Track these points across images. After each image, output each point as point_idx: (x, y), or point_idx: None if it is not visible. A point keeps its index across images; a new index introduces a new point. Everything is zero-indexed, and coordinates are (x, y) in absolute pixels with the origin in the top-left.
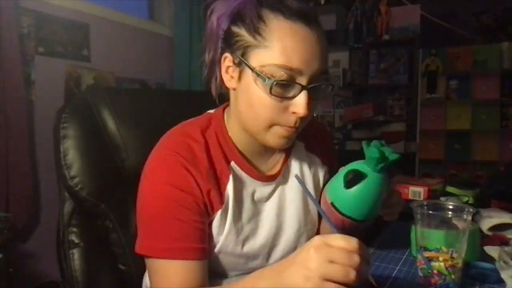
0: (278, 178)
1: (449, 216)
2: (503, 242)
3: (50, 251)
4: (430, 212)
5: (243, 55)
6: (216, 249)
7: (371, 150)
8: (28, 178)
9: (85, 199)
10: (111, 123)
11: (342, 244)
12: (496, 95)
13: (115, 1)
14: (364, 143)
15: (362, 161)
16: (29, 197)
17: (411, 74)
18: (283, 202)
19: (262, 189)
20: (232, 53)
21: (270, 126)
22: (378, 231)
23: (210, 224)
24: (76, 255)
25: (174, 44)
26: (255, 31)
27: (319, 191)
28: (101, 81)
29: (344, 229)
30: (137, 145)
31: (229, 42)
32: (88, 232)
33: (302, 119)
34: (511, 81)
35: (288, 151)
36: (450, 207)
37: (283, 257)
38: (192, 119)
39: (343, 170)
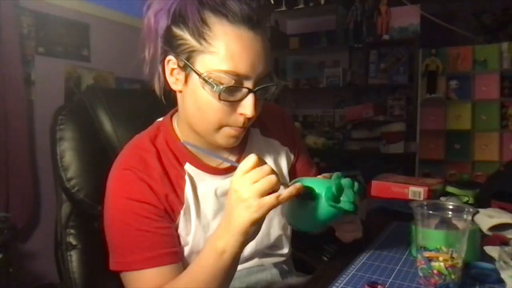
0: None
1: (449, 216)
2: (503, 242)
3: (50, 251)
4: (430, 212)
5: (188, 59)
6: (187, 250)
7: (332, 186)
8: (28, 178)
9: (82, 201)
10: (107, 124)
11: (247, 166)
12: (496, 95)
13: (115, 1)
14: (336, 175)
15: (328, 181)
16: (29, 197)
17: (411, 74)
18: None
19: (223, 183)
20: (176, 56)
21: (219, 127)
22: (378, 231)
23: (176, 229)
24: (74, 257)
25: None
26: (199, 36)
27: (281, 174)
28: (101, 81)
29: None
30: None
31: (172, 45)
32: (86, 234)
33: (250, 119)
34: (511, 81)
35: (243, 140)
36: (450, 207)
37: (257, 245)
38: (143, 131)
39: (309, 181)
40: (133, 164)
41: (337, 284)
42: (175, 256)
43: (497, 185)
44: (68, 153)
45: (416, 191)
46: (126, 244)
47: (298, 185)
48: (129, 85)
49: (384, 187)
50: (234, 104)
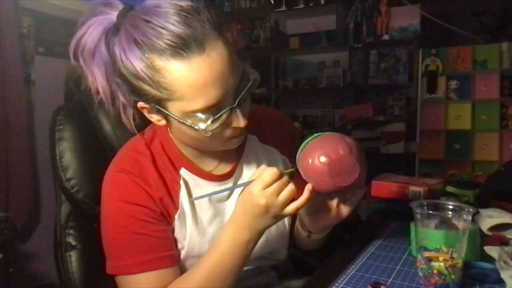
0: (234, 175)
1: (449, 216)
2: (503, 242)
3: (49, 251)
4: (430, 212)
5: (159, 105)
6: (183, 254)
7: None
8: (28, 178)
9: (82, 201)
10: (107, 125)
11: (270, 179)
12: (496, 95)
13: None
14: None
15: None
16: (29, 197)
17: (411, 74)
18: None
19: (218, 189)
20: (146, 103)
21: (221, 143)
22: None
23: (173, 232)
24: (73, 257)
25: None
26: (157, 85)
27: None
28: None
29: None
30: None
31: (137, 94)
32: (85, 234)
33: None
34: (511, 81)
35: (240, 147)
36: (450, 207)
37: (255, 253)
38: (139, 133)
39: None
40: (127, 168)
41: (337, 284)
42: (172, 259)
43: (497, 185)
44: (67, 153)
45: (416, 191)
46: (122, 247)
47: (310, 187)
48: None
49: (384, 187)
50: (226, 122)
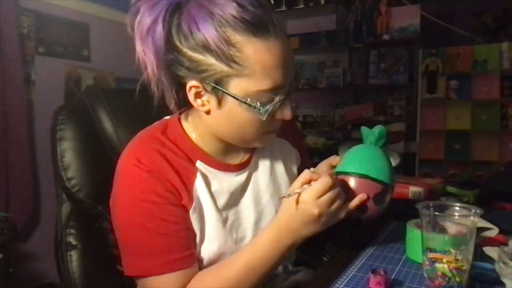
0: (250, 165)
1: (456, 217)
2: (503, 243)
3: (50, 251)
4: (436, 213)
5: (218, 83)
6: (202, 246)
7: (373, 131)
8: (28, 178)
9: (83, 200)
10: (108, 124)
11: (325, 187)
12: (496, 95)
13: (115, 1)
14: (363, 128)
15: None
16: (29, 197)
17: (411, 74)
18: (258, 190)
19: (235, 180)
20: (200, 81)
21: (259, 136)
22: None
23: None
24: (74, 257)
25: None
26: (228, 59)
27: (292, 175)
28: (101, 81)
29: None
30: None
31: (192, 69)
32: (86, 234)
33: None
34: (511, 81)
35: None
36: (457, 208)
37: None
38: (148, 127)
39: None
40: (145, 161)
41: (337, 285)
42: (193, 258)
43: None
44: (69, 153)
45: (416, 191)
46: (143, 248)
47: (363, 196)
48: (129, 85)
49: None
50: (273, 113)
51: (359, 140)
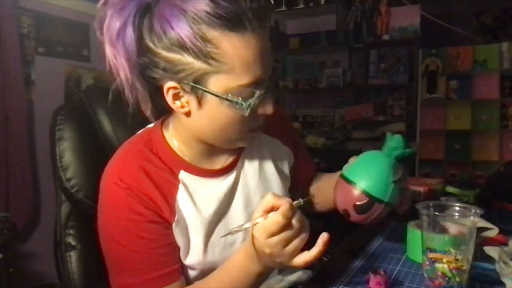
0: (237, 166)
1: (456, 217)
2: (503, 243)
3: (49, 251)
4: (437, 213)
5: (197, 82)
6: (188, 260)
7: (392, 137)
8: (28, 178)
9: (82, 201)
10: (107, 124)
11: (277, 226)
12: (496, 95)
13: None
14: (388, 133)
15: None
16: (29, 197)
17: (411, 74)
18: (249, 191)
19: (223, 184)
20: (178, 82)
21: (243, 135)
22: (377, 232)
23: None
24: (73, 257)
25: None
26: (206, 57)
27: (283, 175)
28: (101, 81)
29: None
30: None
31: (169, 70)
32: (85, 234)
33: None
34: (511, 81)
35: None
36: (457, 208)
37: None
38: (132, 137)
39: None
40: (125, 178)
41: (337, 284)
42: (175, 274)
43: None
44: (68, 153)
45: (416, 191)
46: (124, 265)
47: (325, 237)
48: None
49: None
50: (255, 108)
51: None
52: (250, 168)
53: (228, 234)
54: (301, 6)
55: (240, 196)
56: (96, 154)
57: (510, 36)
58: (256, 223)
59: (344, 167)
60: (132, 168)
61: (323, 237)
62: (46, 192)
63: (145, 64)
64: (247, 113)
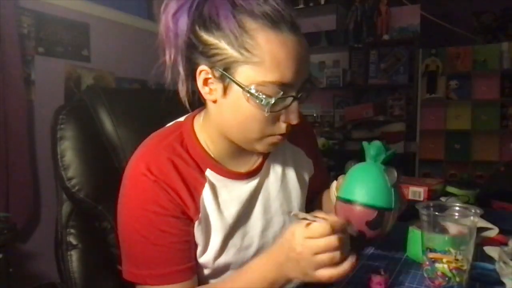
0: (261, 172)
1: (456, 217)
2: (503, 243)
3: (50, 251)
4: (437, 213)
5: (226, 70)
6: (204, 258)
7: (371, 145)
8: (28, 178)
9: (83, 200)
10: (108, 124)
11: (319, 233)
12: (496, 95)
13: (115, 1)
14: (364, 143)
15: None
16: (29, 197)
17: (411, 74)
18: (268, 198)
19: (246, 188)
20: (210, 66)
21: (262, 137)
22: None
23: (193, 237)
24: (74, 256)
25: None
26: (240, 45)
27: (304, 184)
28: (101, 81)
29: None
30: (134, 145)
31: (205, 53)
32: (86, 234)
33: (293, 125)
34: (511, 81)
35: None
36: (457, 208)
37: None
38: (161, 129)
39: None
40: (150, 168)
41: (337, 284)
42: (190, 272)
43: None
44: (69, 153)
45: (416, 191)
46: (140, 256)
47: (354, 259)
48: (129, 85)
49: None
50: (278, 113)
51: (359, 141)
52: (273, 175)
53: (292, 214)
54: (301, 6)
55: (260, 202)
56: (97, 153)
57: (510, 36)
58: (317, 218)
59: (338, 189)
60: (162, 161)
61: (352, 258)
62: (46, 192)
63: (188, 45)
64: (266, 110)
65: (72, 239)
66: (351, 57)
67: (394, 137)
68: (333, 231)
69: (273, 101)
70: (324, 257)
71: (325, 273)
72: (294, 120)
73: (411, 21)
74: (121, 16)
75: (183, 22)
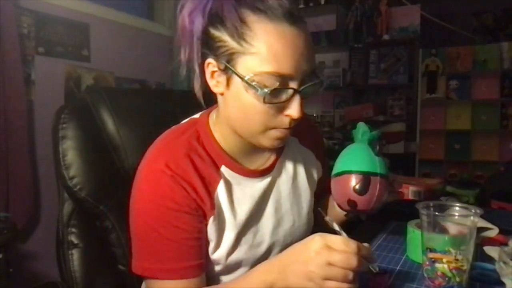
0: (273, 171)
1: (456, 217)
2: (503, 243)
3: (50, 251)
4: (437, 213)
5: (228, 61)
6: (216, 255)
7: (356, 128)
8: (28, 178)
9: (84, 199)
10: (110, 124)
11: (342, 247)
12: (496, 95)
13: (115, 1)
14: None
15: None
16: (29, 197)
17: (411, 74)
18: (280, 197)
19: (259, 186)
20: (216, 59)
21: (265, 130)
22: (377, 231)
23: (206, 233)
24: (75, 255)
25: (174, 44)
26: (239, 37)
27: (313, 185)
28: (101, 81)
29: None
30: (136, 145)
31: (211, 47)
32: (87, 233)
33: (296, 120)
34: (511, 81)
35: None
36: (457, 208)
37: (281, 250)
38: (177, 126)
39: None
40: (168, 164)
41: None
42: (199, 269)
43: (497, 185)
44: (71, 152)
45: (416, 191)
46: (150, 250)
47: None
48: (129, 85)
49: None
50: (279, 106)
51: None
52: (284, 174)
53: (326, 218)
54: (301, 6)
55: (272, 200)
56: (99, 153)
57: (510, 36)
58: (344, 233)
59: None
60: (180, 157)
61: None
62: (47, 192)
63: (201, 40)
64: (261, 100)
65: (73, 238)
66: (351, 57)
67: (394, 137)
68: (358, 252)
69: (268, 91)
70: (339, 271)
71: (333, 286)
72: (295, 114)
73: (411, 21)
74: (121, 16)
75: (198, 22)
